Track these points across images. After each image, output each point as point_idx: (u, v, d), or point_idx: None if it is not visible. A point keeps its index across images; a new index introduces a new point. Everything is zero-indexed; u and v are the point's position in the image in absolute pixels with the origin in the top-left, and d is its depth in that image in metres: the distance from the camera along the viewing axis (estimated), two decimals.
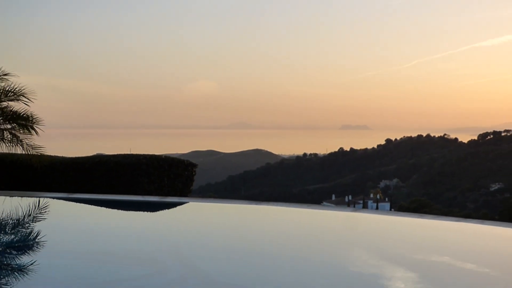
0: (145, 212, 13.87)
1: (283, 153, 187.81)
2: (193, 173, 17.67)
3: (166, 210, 13.98)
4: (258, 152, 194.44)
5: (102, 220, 13.00)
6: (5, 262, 8.24)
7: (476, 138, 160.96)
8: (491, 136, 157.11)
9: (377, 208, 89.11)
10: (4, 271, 7.63)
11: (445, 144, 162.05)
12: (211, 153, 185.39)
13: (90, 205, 13.98)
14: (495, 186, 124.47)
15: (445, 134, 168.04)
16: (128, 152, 18.71)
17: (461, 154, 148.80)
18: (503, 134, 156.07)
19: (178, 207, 14.19)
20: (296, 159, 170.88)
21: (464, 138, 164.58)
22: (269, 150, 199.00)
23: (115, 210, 13.99)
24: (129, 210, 13.95)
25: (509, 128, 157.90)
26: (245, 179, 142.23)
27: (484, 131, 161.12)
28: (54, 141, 17.52)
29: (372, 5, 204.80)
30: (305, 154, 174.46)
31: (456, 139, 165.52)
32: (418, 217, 14.16)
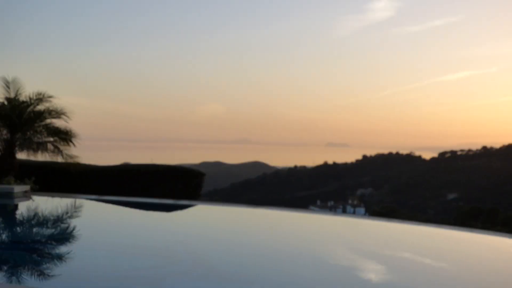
0: (162, 212, 13.89)
1: (277, 165, 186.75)
2: (202, 180, 17.67)
3: (179, 211, 14.01)
4: (256, 164, 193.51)
5: (126, 218, 13.03)
6: (47, 251, 8.34)
7: (436, 155, 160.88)
8: (449, 154, 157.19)
9: (354, 212, 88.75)
10: (46, 258, 7.72)
11: (410, 160, 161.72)
12: (217, 164, 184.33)
13: (116, 206, 14.01)
14: (451, 196, 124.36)
15: (411, 152, 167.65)
16: (150, 162, 18.73)
17: (424, 168, 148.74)
18: (458, 153, 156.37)
19: (189, 209, 14.23)
20: (288, 170, 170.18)
21: (427, 156, 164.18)
22: (265, 162, 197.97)
23: (137, 210, 14.01)
24: (149, 210, 13.96)
25: (464, 148, 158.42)
26: (245, 187, 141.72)
27: (443, 150, 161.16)
28: (88, 151, 17.49)
29: (351, 47, 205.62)
30: (295, 166, 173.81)
31: (420, 156, 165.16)
32: (387, 221, 14.20)
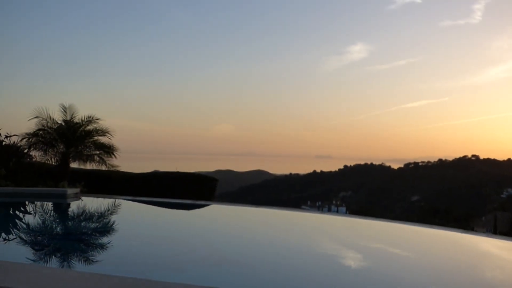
0: (183, 210, 13.85)
1: (276, 172, 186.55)
2: (216, 185, 17.61)
3: (197, 209, 13.96)
4: (260, 172, 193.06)
5: (155, 214, 13.00)
6: (92, 242, 8.30)
7: (402, 166, 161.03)
8: (412, 165, 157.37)
9: (337, 210, 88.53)
10: (90, 247, 7.68)
11: (382, 169, 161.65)
12: (228, 171, 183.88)
13: (147, 205, 13.98)
14: (414, 198, 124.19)
15: (382, 163, 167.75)
16: (174, 170, 18.69)
17: (392, 176, 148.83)
18: (420, 164, 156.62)
19: (205, 207, 14.18)
20: (285, 177, 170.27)
21: (395, 166, 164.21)
22: (267, 170, 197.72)
23: (164, 208, 13.97)
24: (173, 208, 13.93)
25: (424, 160, 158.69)
26: (250, 190, 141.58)
27: (408, 162, 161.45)
28: (126, 161, 17.49)
29: (334, 80, 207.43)
30: (290, 174, 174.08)
31: (389, 166, 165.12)
32: (362, 218, 14.12)
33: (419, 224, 13.07)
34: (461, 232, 11.30)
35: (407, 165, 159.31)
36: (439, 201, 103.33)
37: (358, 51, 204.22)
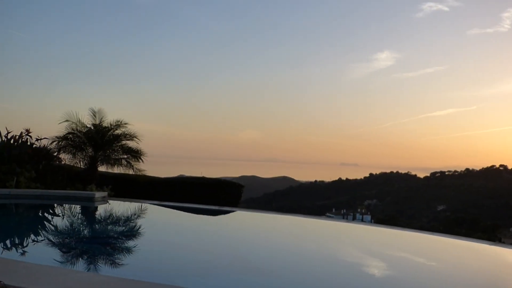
0: (209, 216, 13.84)
1: (301, 179, 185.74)
2: (241, 191, 17.60)
3: (223, 215, 13.93)
4: (284, 178, 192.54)
5: (181, 219, 13.02)
6: (118, 245, 8.34)
7: (428, 175, 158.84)
8: (439, 174, 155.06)
9: (362, 218, 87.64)
10: (117, 250, 7.71)
11: (408, 178, 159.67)
12: (253, 177, 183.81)
13: (173, 210, 14.01)
14: (440, 207, 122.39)
15: (408, 171, 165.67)
16: (200, 175, 18.75)
17: (418, 185, 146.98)
18: (446, 173, 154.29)
19: (231, 214, 14.15)
20: (310, 184, 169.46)
21: (421, 175, 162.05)
22: (292, 177, 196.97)
23: (189, 213, 13.98)
24: (198, 214, 13.93)
25: (451, 169, 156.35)
26: (275, 196, 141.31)
27: (434, 171, 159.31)
28: (152, 165, 17.59)
29: (360, 88, 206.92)
30: (315, 181, 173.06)
31: (415, 175, 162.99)
32: (389, 228, 13.94)
33: (447, 235, 12.83)
34: (490, 244, 11.05)
35: (433, 174, 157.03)
36: (466, 211, 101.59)
37: (385, 58, 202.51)
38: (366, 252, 9.06)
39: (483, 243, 11.05)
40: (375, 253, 8.90)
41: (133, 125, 16.34)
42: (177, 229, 10.60)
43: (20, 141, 14.62)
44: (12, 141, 14.47)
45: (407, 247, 10.18)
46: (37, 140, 15.07)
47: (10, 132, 14.54)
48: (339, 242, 10.30)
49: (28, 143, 14.77)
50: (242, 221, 13.37)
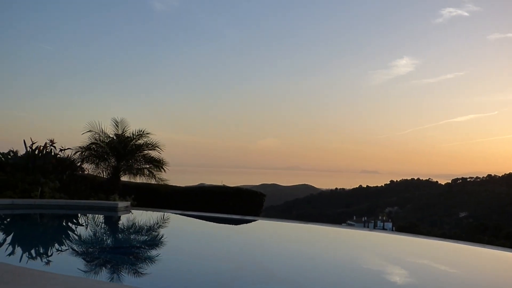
0: (231, 225, 13.78)
1: (321, 187, 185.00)
2: (263, 200, 17.48)
3: (245, 224, 13.85)
4: (305, 186, 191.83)
5: (203, 228, 12.99)
6: (141, 254, 8.32)
7: (450, 181, 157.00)
8: (460, 180, 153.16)
9: (383, 226, 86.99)
10: (140, 259, 7.69)
11: (429, 184, 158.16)
12: (273, 185, 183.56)
13: (195, 219, 13.97)
14: (462, 214, 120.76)
15: (429, 178, 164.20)
16: (220, 183, 18.73)
17: (440, 191, 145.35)
18: (468, 179, 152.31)
19: (252, 223, 14.07)
20: (330, 191, 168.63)
21: (442, 181, 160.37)
22: (312, 184, 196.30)
23: (211, 222, 13.94)
24: (220, 223, 13.89)
25: (472, 176, 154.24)
26: (295, 204, 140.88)
27: (455, 177, 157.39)
28: (173, 173, 17.61)
29: (380, 95, 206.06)
30: (336, 188, 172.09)
31: (436, 181, 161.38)
32: (413, 236, 13.71)
33: (471, 243, 12.59)
34: None
35: (455, 180, 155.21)
36: (488, 218, 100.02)
37: (404, 65, 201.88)
38: (389, 261, 8.91)
39: (506, 251, 10.81)
40: (399, 263, 8.76)
41: (155, 135, 16.39)
42: (199, 238, 10.55)
43: (44, 152, 14.76)
44: (36, 152, 14.62)
45: (430, 255, 10.00)
46: (61, 150, 15.20)
47: (34, 143, 14.71)
48: (363, 252, 10.15)
49: (52, 154, 14.91)
50: (264, 230, 13.28)
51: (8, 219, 12.34)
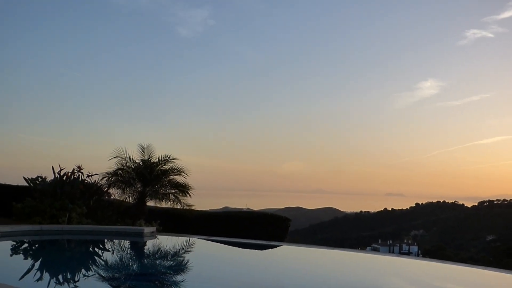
0: (256, 250, 13.66)
1: (346, 210, 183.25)
2: (288, 225, 17.34)
3: (270, 249, 13.72)
4: (329, 209, 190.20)
5: (228, 254, 12.89)
6: (166, 280, 8.29)
7: (476, 204, 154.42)
8: (487, 203, 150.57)
9: (409, 249, 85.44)
10: (165, 285, 7.65)
11: (455, 207, 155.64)
12: (298, 208, 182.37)
13: (221, 244, 13.89)
14: (489, 237, 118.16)
15: (455, 201, 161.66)
16: (244, 207, 18.69)
17: (466, 214, 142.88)
18: (495, 202, 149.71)
19: (277, 248, 13.92)
20: (355, 214, 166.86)
21: (468, 204, 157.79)
22: (337, 207, 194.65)
23: (237, 248, 13.83)
24: (246, 248, 13.77)
25: (499, 198, 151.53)
26: (320, 227, 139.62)
27: (482, 200, 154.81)
28: (198, 197, 17.58)
29: (405, 117, 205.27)
30: (361, 211, 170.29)
31: (462, 204, 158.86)
32: (440, 262, 13.40)
33: (500, 269, 12.23)
34: None
35: (481, 203, 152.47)
36: None
37: (429, 87, 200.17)
38: (416, 283, 8.70)
39: None
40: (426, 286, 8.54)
41: (180, 160, 16.45)
42: (225, 264, 10.46)
43: (72, 178, 14.92)
44: (64, 178, 14.79)
45: (458, 282, 9.74)
46: (88, 176, 15.35)
47: (62, 169, 14.88)
48: (391, 279, 9.94)
49: (80, 179, 15.05)
50: (290, 256, 13.12)
51: (37, 245, 12.44)
